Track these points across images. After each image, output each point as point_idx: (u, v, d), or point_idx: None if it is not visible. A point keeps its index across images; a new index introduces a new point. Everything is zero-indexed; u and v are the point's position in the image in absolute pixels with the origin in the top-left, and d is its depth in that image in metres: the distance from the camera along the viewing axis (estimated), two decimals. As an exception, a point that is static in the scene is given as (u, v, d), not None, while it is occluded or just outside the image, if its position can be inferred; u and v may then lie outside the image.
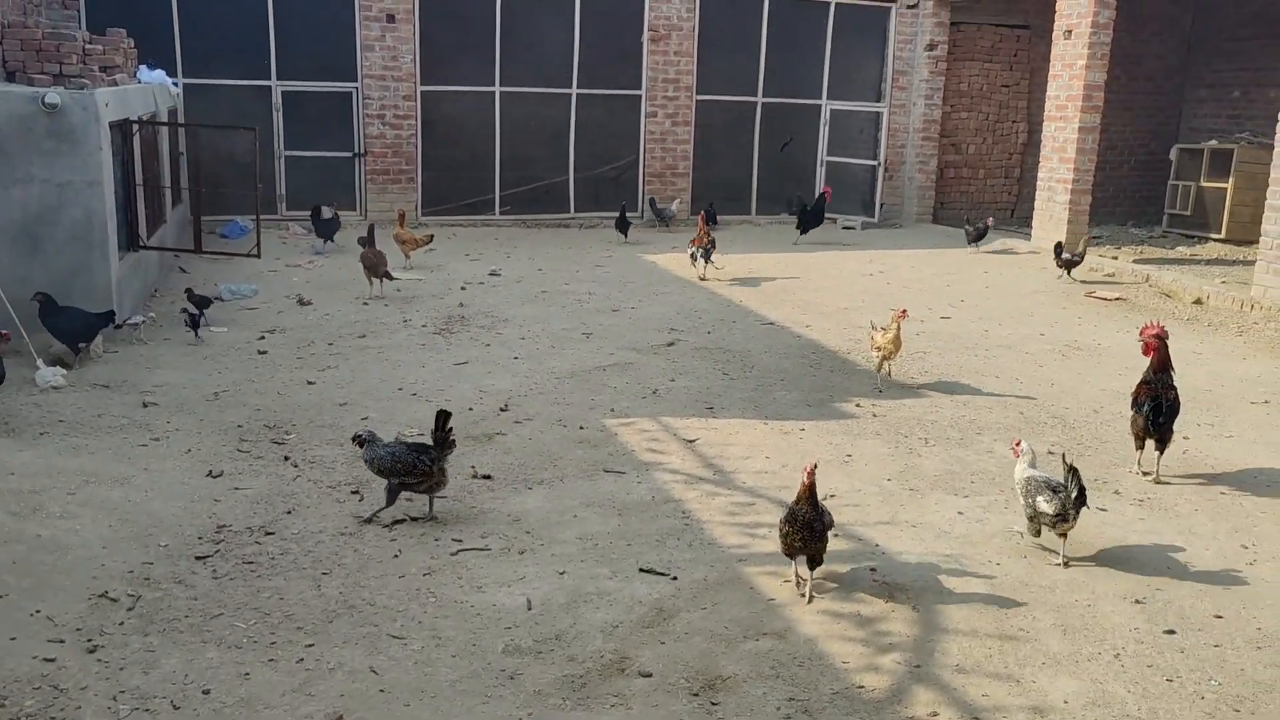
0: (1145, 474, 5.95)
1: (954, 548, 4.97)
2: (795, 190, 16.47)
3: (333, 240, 12.46)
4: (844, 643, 4.08)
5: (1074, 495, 4.65)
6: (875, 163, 17.08)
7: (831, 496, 5.55)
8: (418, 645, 3.98)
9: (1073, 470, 4.70)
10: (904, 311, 7.59)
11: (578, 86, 15.38)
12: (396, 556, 4.71)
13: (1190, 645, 4.10)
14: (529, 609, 4.28)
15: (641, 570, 4.65)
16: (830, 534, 4.50)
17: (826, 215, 16.55)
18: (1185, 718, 3.62)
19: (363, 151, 14.49)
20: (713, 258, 11.67)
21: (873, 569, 4.72)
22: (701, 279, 11.49)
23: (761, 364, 8.17)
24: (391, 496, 5.04)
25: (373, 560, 4.66)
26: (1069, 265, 11.98)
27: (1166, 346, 5.94)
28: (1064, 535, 4.79)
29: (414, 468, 4.98)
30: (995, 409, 7.18)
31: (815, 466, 4.43)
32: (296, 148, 14.27)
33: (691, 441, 6.36)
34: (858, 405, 7.15)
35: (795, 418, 6.86)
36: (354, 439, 5.18)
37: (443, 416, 5.07)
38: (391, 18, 14.15)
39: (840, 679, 3.82)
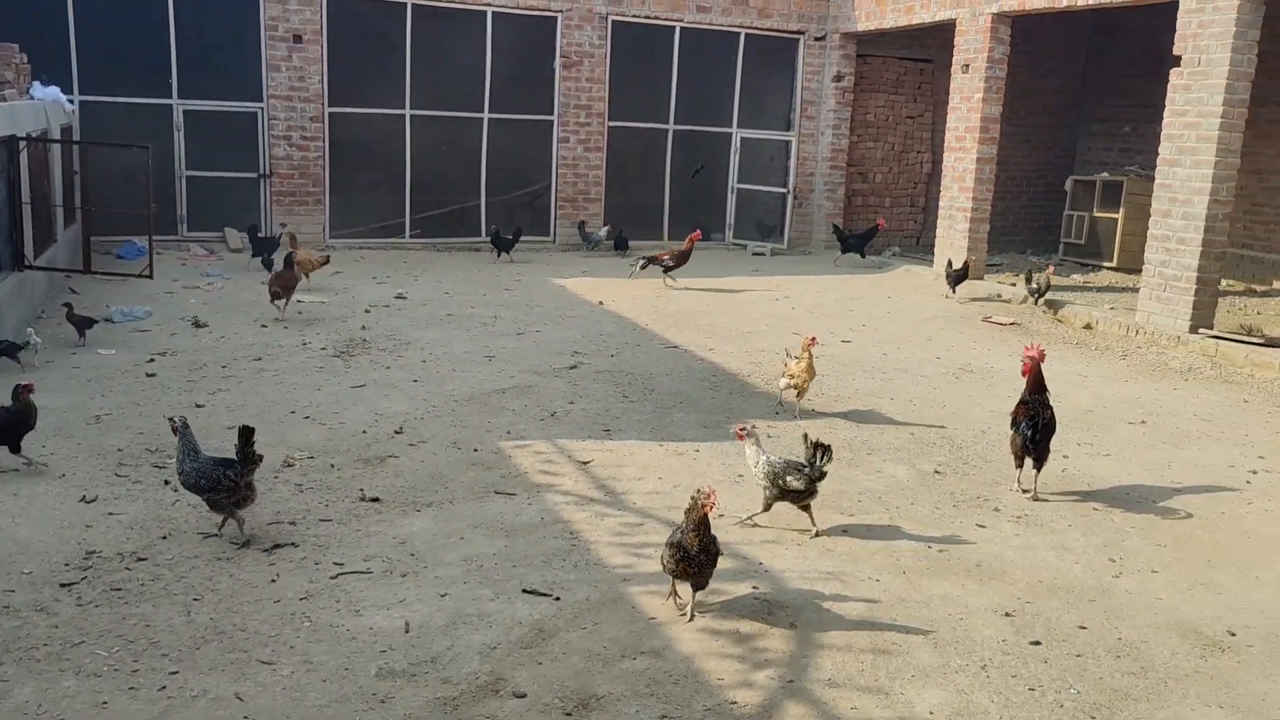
0: (1024, 491, 6.12)
1: (837, 565, 5.05)
2: (704, 217, 16.71)
3: (271, 258, 11.98)
4: (720, 660, 4.11)
5: (822, 470, 5.25)
6: (785, 190, 17.39)
7: (721, 516, 5.59)
8: (287, 670, 3.90)
9: (820, 447, 5.27)
10: (813, 339, 7.59)
11: (490, 111, 15.39)
12: (274, 581, 4.62)
13: (1054, 656, 4.22)
14: (406, 631, 4.23)
15: (524, 591, 4.63)
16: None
17: (734, 241, 16.81)
18: (1044, 726, 3.73)
19: (268, 173, 14.27)
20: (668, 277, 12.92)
21: (755, 587, 4.77)
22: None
23: (662, 387, 8.22)
24: (216, 509, 4.97)
25: (248, 585, 4.55)
26: (957, 280, 12.48)
27: (1040, 368, 6.13)
28: (807, 508, 5.36)
29: (219, 483, 4.88)
30: (888, 430, 7.33)
31: (713, 495, 4.37)
32: (199, 168, 13.99)
33: (586, 463, 6.37)
34: (753, 426, 7.20)
35: (691, 439, 6.91)
36: (169, 419, 5.19)
37: (245, 432, 4.98)
38: (299, 38, 14.01)
39: (713, 696, 3.85)
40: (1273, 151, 14.54)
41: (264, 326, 9.68)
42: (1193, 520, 5.80)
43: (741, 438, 5.54)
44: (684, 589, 4.49)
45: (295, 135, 14.26)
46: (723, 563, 4.96)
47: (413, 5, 14.57)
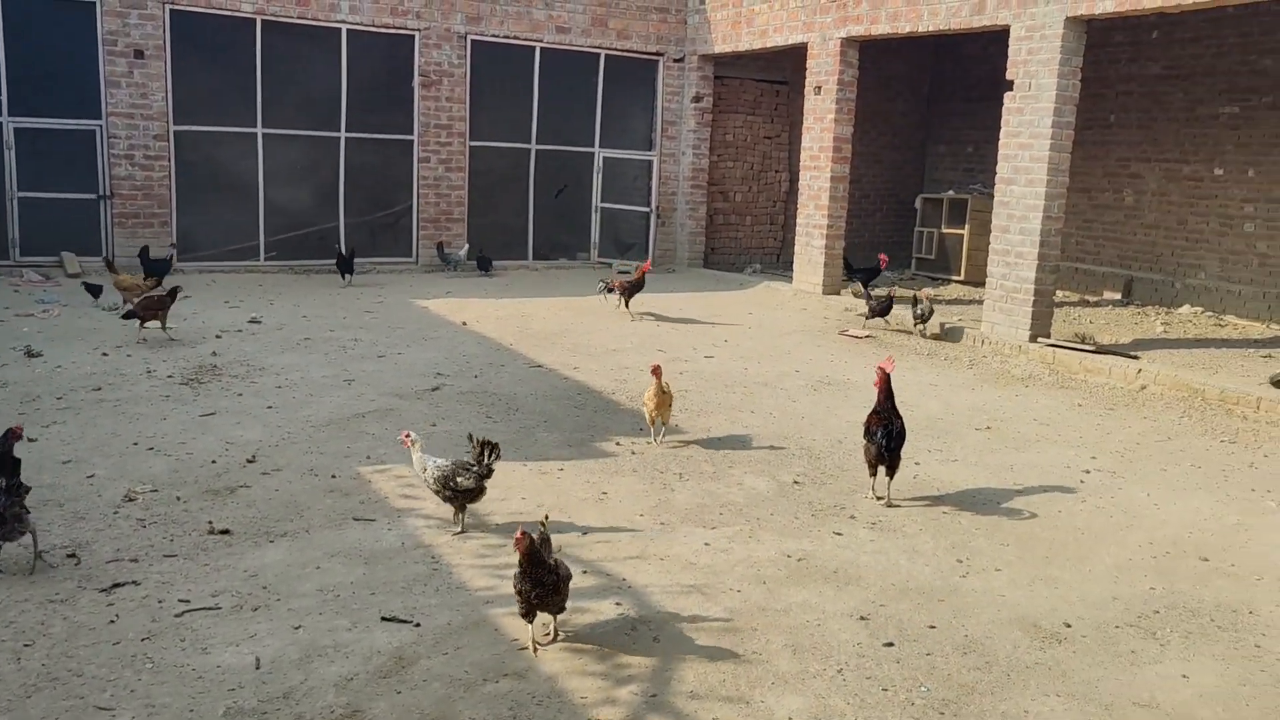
0: (879, 498, 6.33)
1: (699, 578, 5.11)
2: (570, 236, 16.80)
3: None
4: (583, 678, 4.10)
5: (490, 467, 5.47)
6: (648, 209, 17.60)
7: (585, 534, 5.60)
8: (128, 716, 3.70)
9: (487, 445, 5.48)
10: (656, 367, 7.22)
11: (346, 130, 15.08)
12: (113, 623, 4.38)
13: (905, 655, 4.37)
14: (257, 668, 4.07)
15: (383, 619, 4.52)
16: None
17: (600, 260, 16.93)
18: (896, 724, 3.85)
19: (109, 194, 13.61)
20: (619, 293, 12.60)
21: (618, 604, 4.77)
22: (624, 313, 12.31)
23: (526, 406, 8.18)
24: None
25: (83, 628, 4.31)
26: (883, 310, 12.04)
27: (889, 379, 6.36)
28: (464, 508, 5.56)
29: None
30: (749, 443, 7.47)
31: (525, 536, 4.20)
32: (32, 189, 13.25)
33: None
34: (618, 444, 7.27)
35: (555, 458, 6.89)
36: None
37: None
38: (140, 53, 13.44)
39: (577, 715, 3.83)
40: (1098, 171, 15.52)
41: (105, 355, 9.21)
42: (1033, 520, 6.10)
43: (407, 444, 5.58)
44: (538, 626, 4.38)
45: (138, 154, 13.65)
46: (586, 580, 4.98)
47: (262, 20, 14.17)
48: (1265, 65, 13.50)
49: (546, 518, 4.59)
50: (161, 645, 4.21)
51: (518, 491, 6.23)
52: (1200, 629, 4.71)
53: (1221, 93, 14.03)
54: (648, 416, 7.27)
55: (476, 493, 5.51)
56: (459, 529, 5.56)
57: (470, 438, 5.62)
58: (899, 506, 6.26)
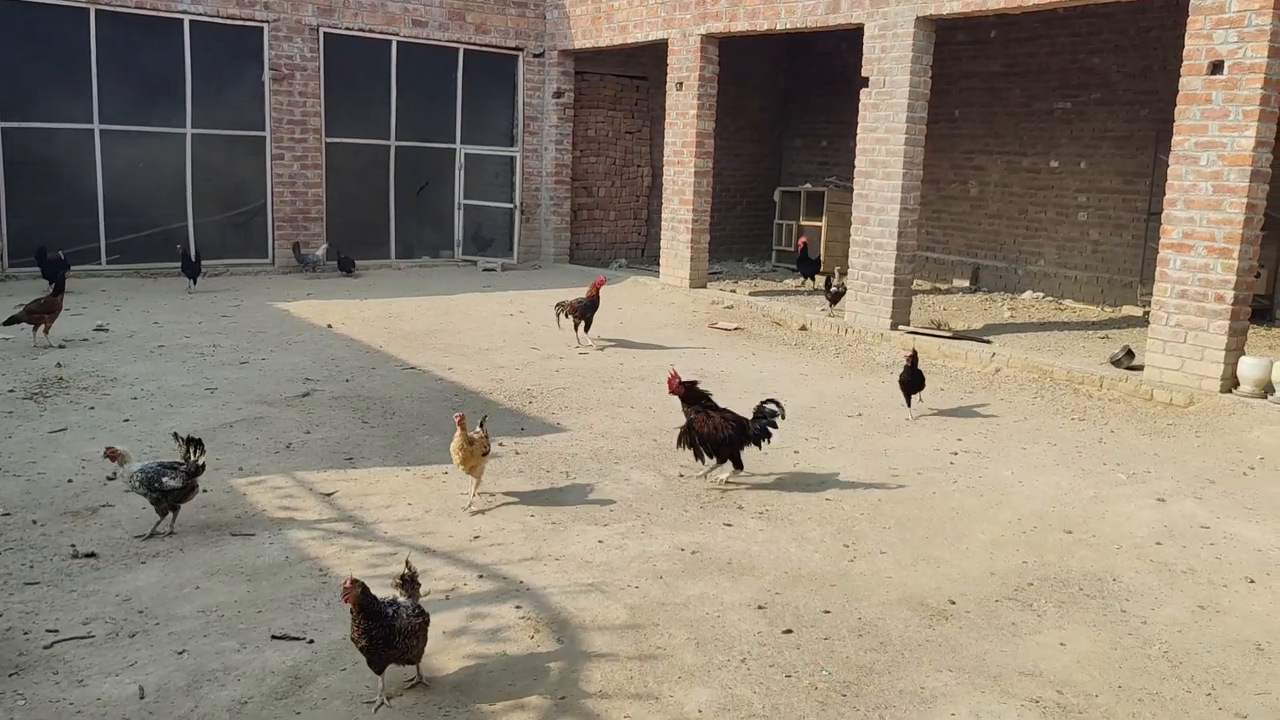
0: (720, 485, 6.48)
1: (596, 576, 5.10)
2: (433, 234, 16.53)
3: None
4: (490, 686, 4.04)
5: (199, 464, 5.37)
6: (512, 205, 17.44)
7: (476, 538, 5.52)
8: (1, 759, 3.44)
9: (193, 441, 5.42)
10: (460, 417, 5.82)
11: (193, 126, 14.38)
12: (-26, 659, 4.07)
13: (805, 641, 4.47)
14: (141, 698, 3.85)
15: (274, 637, 4.35)
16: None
17: (464, 258, 16.73)
18: (802, 708, 3.93)
19: (-71, 195, 12.61)
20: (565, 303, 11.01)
21: (518, 606, 4.73)
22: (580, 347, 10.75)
23: (403, 410, 8.00)
24: None
25: (-58, 667, 3.99)
26: (835, 297, 12.45)
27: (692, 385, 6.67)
28: (176, 509, 5.40)
29: None
30: (631, 438, 7.50)
31: (355, 584, 3.87)
32: None
33: (329, 495, 6.07)
34: (500, 444, 7.18)
35: (438, 462, 6.75)
36: None
37: None
38: (-40, 44, 12.49)
39: (486, 722, 3.77)
40: (945, 164, 16.23)
41: (-63, 369, 8.54)
42: (910, 502, 6.33)
43: (112, 457, 5.39)
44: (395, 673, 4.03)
45: (-39, 153, 12.68)
46: (483, 584, 4.92)
47: (95, 10, 13.36)
48: (1094, 64, 14.38)
49: (408, 562, 4.19)
50: (32, 680, 3.93)
51: (403, 497, 6.08)
52: (1071, 598, 5.00)
53: (1055, 89, 14.87)
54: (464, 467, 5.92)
55: (187, 491, 5.37)
56: (169, 530, 5.40)
57: (175, 435, 5.56)
58: (784, 494, 6.38)
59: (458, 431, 5.73)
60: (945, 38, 14.87)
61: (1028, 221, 15.41)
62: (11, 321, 9.38)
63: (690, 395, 6.53)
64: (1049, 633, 4.63)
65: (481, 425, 6.01)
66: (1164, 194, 9.19)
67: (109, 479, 6.16)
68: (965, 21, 14.57)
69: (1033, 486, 6.68)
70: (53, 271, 11.82)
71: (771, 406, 6.49)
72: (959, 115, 16.10)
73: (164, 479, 5.28)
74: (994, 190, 15.85)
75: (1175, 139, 9.02)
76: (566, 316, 10.89)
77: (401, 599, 3.99)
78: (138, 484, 5.29)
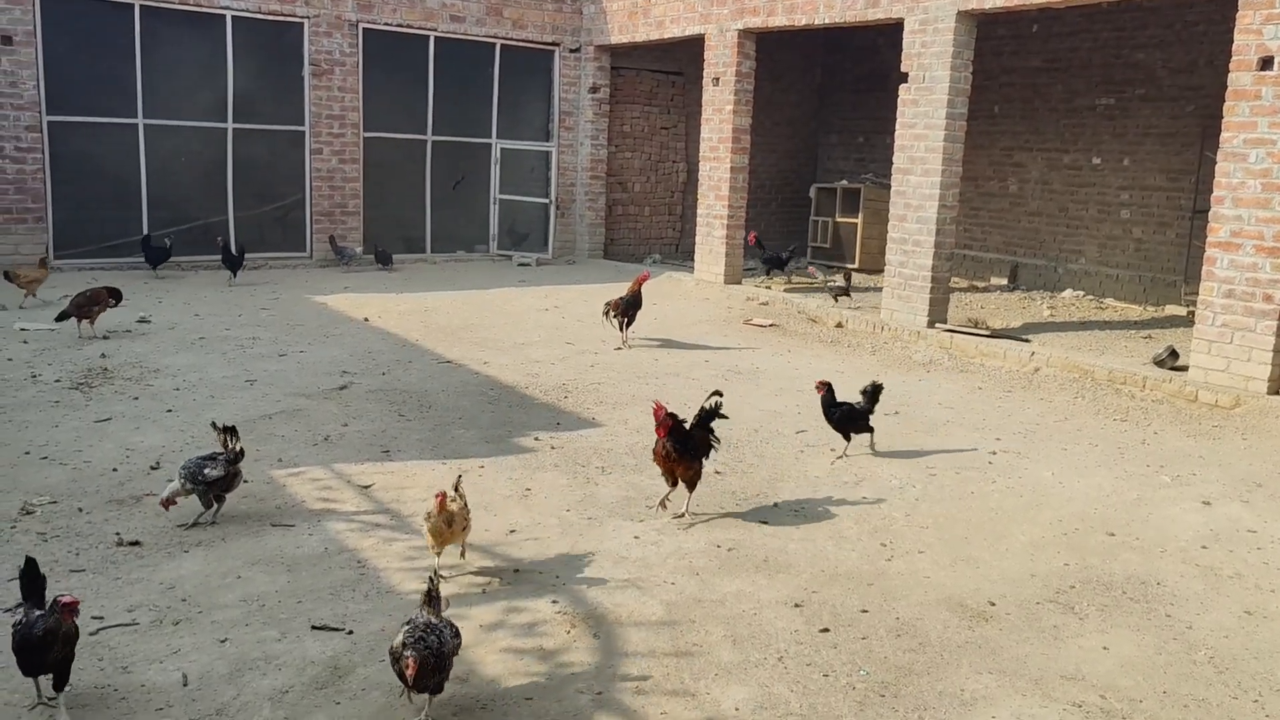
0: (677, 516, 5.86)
1: (632, 572, 5.10)
2: (469, 228, 16.58)
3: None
4: (527, 679, 4.05)
5: (238, 451, 5.40)
6: (547, 200, 17.48)
7: (512, 532, 5.54)
8: (48, 744, 3.50)
9: (228, 430, 5.44)
10: (441, 496, 4.84)
11: (234, 121, 14.52)
12: (21, 644, 4.13)
13: (842, 641, 4.45)
14: (185, 685, 3.90)
15: (314, 628, 4.38)
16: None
17: (499, 252, 16.78)
18: (840, 709, 3.91)
19: (-23, 188, 12.84)
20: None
21: (554, 601, 4.73)
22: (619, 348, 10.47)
23: (439, 403, 8.04)
24: None
25: (-10, 651, 4.05)
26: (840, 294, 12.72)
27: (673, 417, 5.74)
28: (222, 500, 5.42)
29: None
30: (666, 434, 7.48)
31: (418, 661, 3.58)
32: (-109, 183, 12.40)
33: (367, 487, 6.12)
34: (536, 439, 7.20)
35: (474, 455, 6.79)
36: None
37: None
38: (8, 39, 12.68)
39: (523, 717, 3.78)
40: (984, 161, 16.07)
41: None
42: (948, 502, 6.28)
43: (167, 506, 5.33)
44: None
45: (8, 147, 12.89)
46: (519, 579, 4.93)
47: (140, 6, 13.53)
48: (1138, 59, 14.17)
49: (432, 577, 4.01)
50: (78, 667, 3.97)
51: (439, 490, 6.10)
52: (1114, 602, 4.93)
53: (1098, 85, 14.67)
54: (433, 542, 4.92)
55: (230, 480, 5.40)
56: (211, 521, 5.43)
57: (213, 425, 5.60)
58: (819, 493, 6.36)
59: (434, 511, 4.76)
60: (985, 32, 14.69)
61: (1068, 219, 15.22)
62: (62, 317, 9.53)
63: (674, 430, 5.72)
64: (1092, 636, 4.57)
65: (457, 487, 4.98)
66: (1210, 191, 9.04)
67: (152, 468, 6.25)
68: (1007, 16, 14.38)
69: (1074, 487, 6.60)
70: (157, 257, 13.35)
71: (716, 399, 6.03)
72: (999, 111, 15.93)
73: (205, 470, 5.32)
74: (1034, 187, 15.67)
75: (1223, 135, 8.86)
76: (613, 315, 10.66)
77: (435, 620, 3.77)
78: (184, 480, 5.30)
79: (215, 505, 5.45)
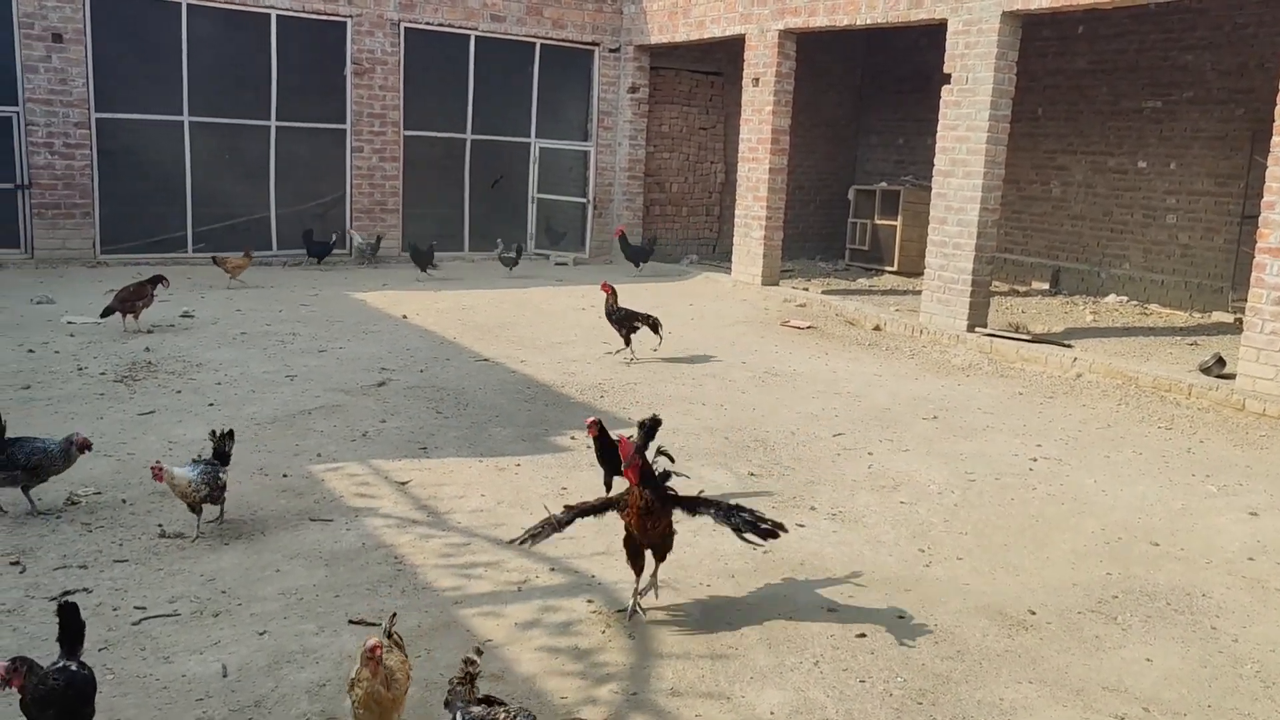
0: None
1: (668, 573, 5.06)
2: (506, 227, 16.62)
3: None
4: (562, 678, 4.05)
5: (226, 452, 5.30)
6: (585, 200, 17.51)
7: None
8: (91, 731, 3.54)
9: (225, 435, 5.37)
10: (375, 647, 3.32)
11: (277, 119, 14.69)
12: (66, 633, 4.19)
13: (879, 646, 4.40)
14: (224, 675, 3.94)
15: (351, 622, 4.41)
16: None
17: (537, 251, 16.82)
18: (877, 715, 3.87)
19: (27, 183, 13.06)
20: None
21: (589, 601, 4.73)
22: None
23: (476, 401, 8.07)
24: None
25: (35, 639, 4.11)
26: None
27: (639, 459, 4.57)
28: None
29: None
30: (703, 435, 7.47)
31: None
32: (-56, 178, 12.66)
33: (404, 484, 6.15)
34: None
35: (511, 453, 6.81)
36: None
37: None
38: (59, 37, 12.91)
39: (558, 715, 3.78)
40: (1026, 163, 15.87)
41: (31, 351, 8.84)
42: (988, 508, 6.20)
43: (159, 477, 5.05)
44: None
45: (58, 142, 13.12)
46: (555, 578, 4.94)
47: (188, 5, 13.71)
48: (1186, 61, 13.93)
49: (479, 651, 3.48)
50: (120, 655, 4.05)
51: (476, 488, 6.13)
52: (1158, 612, 4.84)
53: (1144, 87, 14.44)
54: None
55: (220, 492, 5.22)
56: (220, 520, 5.36)
57: (213, 434, 5.39)
58: (857, 497, 6.31)
59: (363, 671, 3.32)
60: (1030, 34, 14.52)
61: (1113, 223, 15.00)
62: (107, 312, 9.67)
63: (645, 474, 4.48)
64: (1134, 647, 4.49)
65: (391, 633, 3.59)
66: (1260, 196, 8.86)
67: (193, 461, 6.32)
68: (1052, 17, 14.22)
69: (1117, 496, 6.50)
70: (321, 251, 14.53)
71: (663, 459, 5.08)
72: (1042, 113, 15.73)
73: (220, 476, 5.19)
74: (1077, 191, 15.46)
75: (1275, 140, 8.68)
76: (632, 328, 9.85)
77: (481, 712, 3.18)
78: (198, 484, 5.09)
79: (201, 514, 5.23)
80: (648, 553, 4.61)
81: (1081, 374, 9.82)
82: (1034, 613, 4.79)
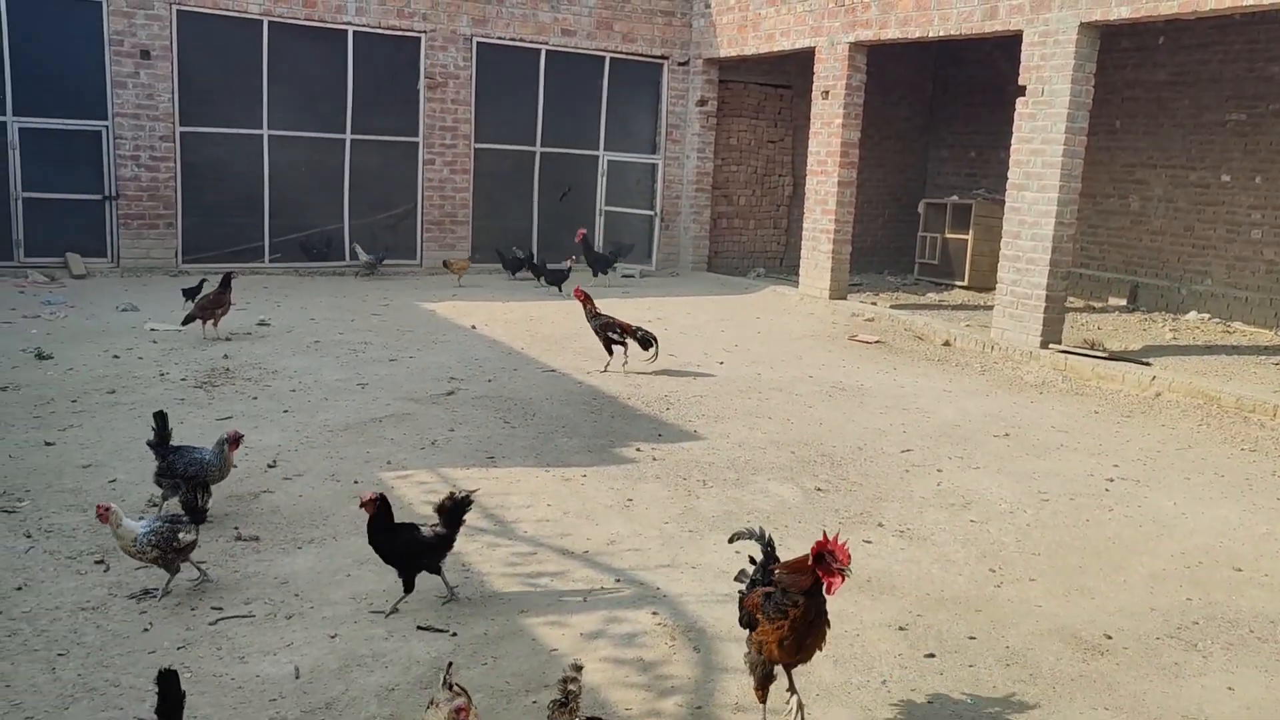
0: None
1: (733, 588, 5.04)
2: (573, 239, 16.72)
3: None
4: (626, 689, 4.05)
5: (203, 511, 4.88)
6: (652, 213, 17.56)
7: (613, 542, 5.56)
8: (169, 727, 3.63)
9: (203, 488, 5.18)
10: (460, 710, 3.22)
11: (352, 132, 15.00)
12: (146, 631, 4.32)
13: (948, 667, 4.33)
14: (297, 677, 4.02)
15: (419, 628, 4.48)
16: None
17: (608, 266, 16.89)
18: (946, 737, 3.81)
19: (114, 195, 13.52)
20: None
21: (654, 613, 4.73)
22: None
23: (543, 411, 8.13)
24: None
25: (118, 637, 4.25)
26: None
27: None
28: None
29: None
30: (769, 449, 7.43)
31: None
32: (37, 189, 13.14)
33: (472, 492, 6.20)
34: (638, 450, 7.22)
35: (577, 464, 6.84)
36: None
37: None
38: (146, 54, 13.36)
39: (623, 727, 3.79)
40: (1104, 177, 15.53)
41: (116, 357, 9.13)
42: (1062, 528, 6.07)
43: (106, 520, 4.49)
44: None
45: (144, 155, 13.57)
46: (620, 589, 4.95)
47: (269, 22, 14.09)
48: (1273, 72, 13.53)
49: (579, 668, 3.44)
50: (198, 654, 4.16)
51: (543, 498, 6.18)
52: (1241, 640, 4.69)
53: (1228, 99, 14.05)
54: None
55: (191, 545, 4.66)
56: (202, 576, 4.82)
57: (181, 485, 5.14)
58: (925, 514, 6.22)
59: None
60: (1108, 45, 14.24)
61: (1194, 239, 14.60)
62: (188, 320, 9.98)
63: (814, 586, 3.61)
64: (1215, 675, 4.36)
65: (450, 683, 3.35)
66: (1351, 212, 8.55)
67: (269, 466, 6.48)
68: (1132, 28, 13.91)
69: (1198, 519, 6.31)
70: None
71: None
72: (1120, 126, 15.38)
73: (181, 534, 4.59)
74: (1157, 205, 15.08)
75: (1366, 153, 8.38)
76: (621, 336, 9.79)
77: None
78: (148, 548, 4.50)
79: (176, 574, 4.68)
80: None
81: (1160, 393, 9.56)
82: (1110, 637, 4.67)
